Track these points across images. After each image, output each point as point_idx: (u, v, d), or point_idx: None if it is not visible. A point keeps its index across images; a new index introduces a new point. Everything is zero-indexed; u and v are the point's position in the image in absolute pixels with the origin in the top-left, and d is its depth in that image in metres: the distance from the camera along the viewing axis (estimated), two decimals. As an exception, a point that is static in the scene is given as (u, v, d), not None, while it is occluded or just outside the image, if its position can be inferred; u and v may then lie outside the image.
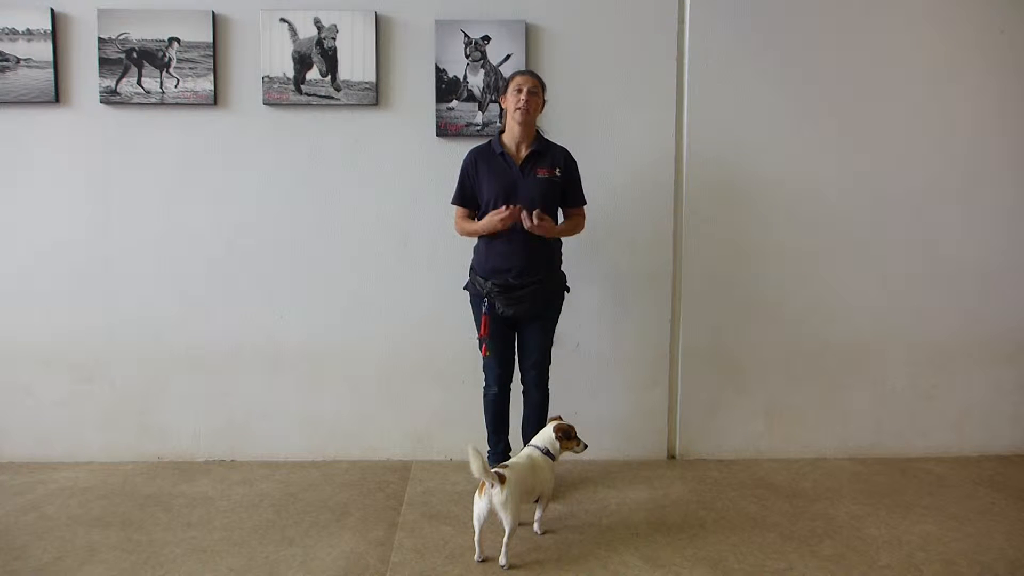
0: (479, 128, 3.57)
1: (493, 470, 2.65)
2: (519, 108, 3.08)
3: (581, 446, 2.97)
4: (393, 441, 3.72)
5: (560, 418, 3.03)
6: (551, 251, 3.22)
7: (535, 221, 3.02)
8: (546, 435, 2.94)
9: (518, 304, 3.12)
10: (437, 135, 3.59)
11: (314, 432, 3.71)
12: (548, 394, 3.31)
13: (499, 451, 3.33)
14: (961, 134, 3.71)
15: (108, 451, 3.68)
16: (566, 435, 2.94)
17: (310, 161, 3.62)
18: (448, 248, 3.64)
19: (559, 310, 3.29)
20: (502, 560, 2.65)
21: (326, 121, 3.60)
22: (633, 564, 2.69)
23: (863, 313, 3.74)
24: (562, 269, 3.29)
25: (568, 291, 3.31)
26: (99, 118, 3.57)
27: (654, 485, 3.42)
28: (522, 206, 3.05)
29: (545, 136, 3.26)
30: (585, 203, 3.30)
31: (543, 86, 3.18)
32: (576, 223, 3.28)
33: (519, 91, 3.09)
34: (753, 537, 2.91)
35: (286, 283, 3.66)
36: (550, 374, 3.31)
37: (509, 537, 2.64)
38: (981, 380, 3.81)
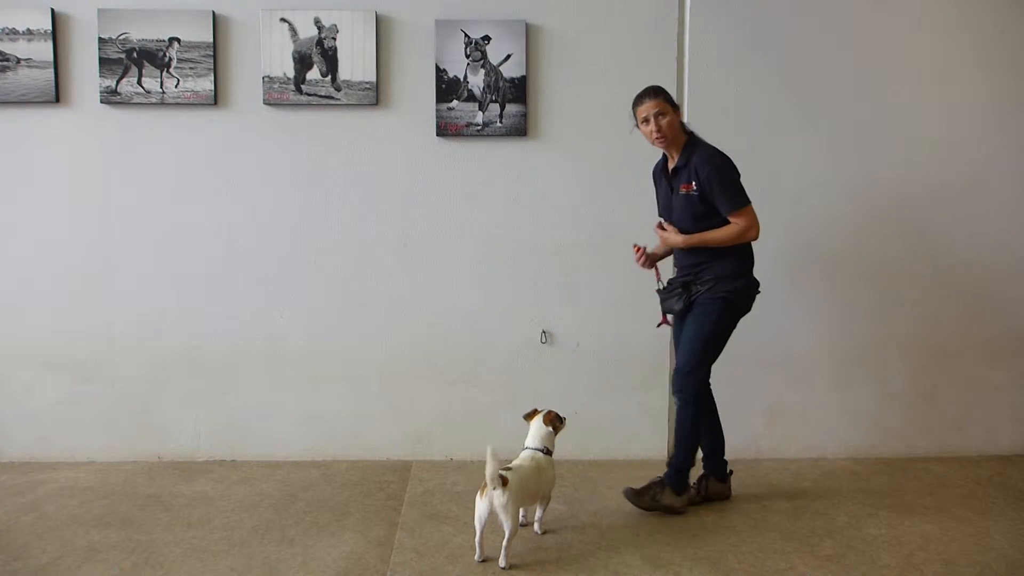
0: (479, 128, 3.57)
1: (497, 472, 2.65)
2: (656, 139, 3.00)
3: (564, 423, 2.98)
4: (393, 441, 3.72)
5: (536, 411, 2.98)
6: (703, 258, 3.03)
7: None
8: (540, 432, 2.90)
9: (664, 302, 3.16)
10: (437, 135, 3.59)
11: (314, 432, 3.71)
12: (691, 409, 3.04)
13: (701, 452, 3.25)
14: (961, 134, 3.71)
15: (108, 451, 3.68)
16: (558, 420, 2.93)
17: (310, 161, 3.62)
18: (448, 248, 3.65)
19: (710, 317, 3.01)
20: (502, 562, 2.64)
21: (326, 121, 3.60)
22: (633, 564, 2.69)
23: (863, 313, 3.74)
24: (740, 278, 3.03)
25: (728, 300, 3.01)
26: (99, 118, 3.57)
27: (654, 485, 3.41)
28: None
29: (696, 140, 3.05)
30: (737, 207, 2.93)
31: (666, 96, 3.00)
32: (726, 230, 2.96)
33: (646, 122, 2.99)
34: (753, 537, 2.91)
35: (286, 283, 3.66)
36: (697, 386, 3.07)
37: (509, 539, 2.63)
38: (981, 380, 3.81)
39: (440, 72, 3.56)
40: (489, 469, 2.56)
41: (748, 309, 3.10)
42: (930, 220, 3.74)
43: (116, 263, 3.63)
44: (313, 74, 3.55)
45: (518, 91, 3.56)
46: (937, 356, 3.78)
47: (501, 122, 3.58)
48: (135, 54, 3.52)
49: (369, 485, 3.40)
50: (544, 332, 3.70)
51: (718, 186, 2.94)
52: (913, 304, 3.75)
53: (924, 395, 3.80)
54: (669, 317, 3.24)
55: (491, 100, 3.57)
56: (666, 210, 3.16)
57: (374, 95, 3.56)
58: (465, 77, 3.56)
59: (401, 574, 2.62)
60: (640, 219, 3.66)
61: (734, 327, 3.10)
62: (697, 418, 3.09)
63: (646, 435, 3.74)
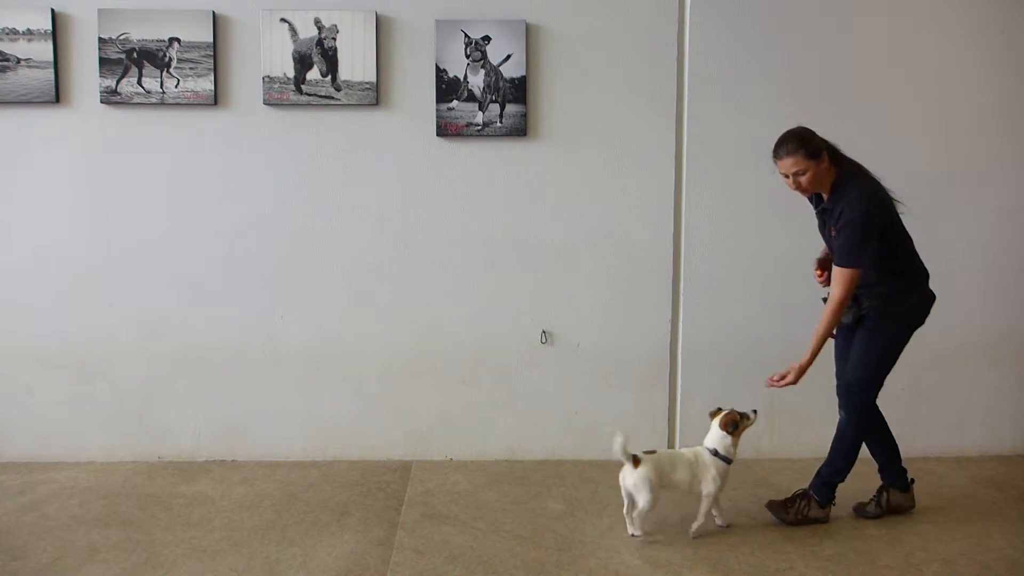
0: (479, 128, 3.57)
1: (632, 453, 2.82)
2: (798, 191, 2.91)
3: (752, 418, 2.98)
4: (393, 441, 3.72)
5: (720, 410, 2.98)
6: (871, 279, 2.90)
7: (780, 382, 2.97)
8: (714, 434, 2.94)
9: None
10: (437, 135, 3.59)
11: (314, 432, 3.71)
12: (855, 425, 2.99)
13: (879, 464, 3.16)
14: (961, 134, 3.71)
15: (108, 451, 3.68)
16: (734, 425, 2.92)
17: (310, 161, 3.62)
18: (448, 248, 3.64)
19: (883, 337, 2.93)
20: (636, 531, 2.85)
21: (326, 121, 3.60)
22: (633, 564, 2.69)
23: (863, 313, 3.74)
24: (915, 292, 2.96)
25: (904, 318, 2.94)
26: (99, 118, 3.57)
27: (654, 485, 3.41)
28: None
29: (846, 178, 2.89)
30: (844, 264, 2.82)
31: (807, 150, 2.81)
32: (826, 312, 2.87)
33: (786, 177, 2.88)
34: (753, 537, 2.91)
35: (286, 283, 3.66)
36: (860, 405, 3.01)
37: (640, 513, 2.82)
38: (981, 380, 3.81)
39: (440, 72, 3.56)
40: (615, 445, 2.77)
41: (923, 322, 2.98)
42: (930, 220, 3.72)
43: (116, 263, 3.63)
44: (313, 74, 3.55)
45: (518, 91, 3.56)
46: (937, 356, 3.78)
47: (501, 122, 3.58)
48: (135, 54, 3.52)
49: (369, 485, 3.41)
50: (544, 332, 3.70)
51: (845, 238, 2.82)
52: (913, 304, 3.75)
53: (924, 395, 3.80)
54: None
55: (491, 100, 3.57)
56: (826, 241, 3.05)
57: (374, 95, 3.56)
58: (465, 77, 3.56)
59: (401, 574, 2.62)
60: (638, 217, 3.67)
61: (907, 342, 2.98)
62: (860, 436, 3.02)
63: (646, 435, 3.74)
